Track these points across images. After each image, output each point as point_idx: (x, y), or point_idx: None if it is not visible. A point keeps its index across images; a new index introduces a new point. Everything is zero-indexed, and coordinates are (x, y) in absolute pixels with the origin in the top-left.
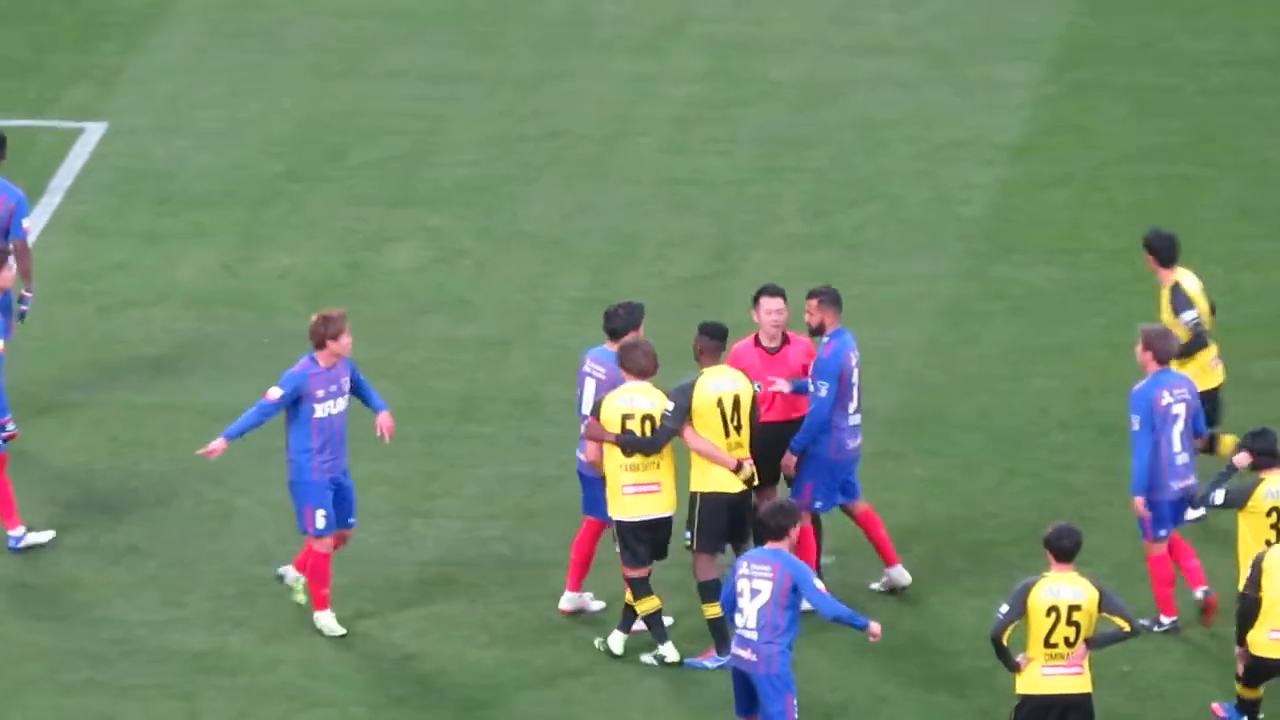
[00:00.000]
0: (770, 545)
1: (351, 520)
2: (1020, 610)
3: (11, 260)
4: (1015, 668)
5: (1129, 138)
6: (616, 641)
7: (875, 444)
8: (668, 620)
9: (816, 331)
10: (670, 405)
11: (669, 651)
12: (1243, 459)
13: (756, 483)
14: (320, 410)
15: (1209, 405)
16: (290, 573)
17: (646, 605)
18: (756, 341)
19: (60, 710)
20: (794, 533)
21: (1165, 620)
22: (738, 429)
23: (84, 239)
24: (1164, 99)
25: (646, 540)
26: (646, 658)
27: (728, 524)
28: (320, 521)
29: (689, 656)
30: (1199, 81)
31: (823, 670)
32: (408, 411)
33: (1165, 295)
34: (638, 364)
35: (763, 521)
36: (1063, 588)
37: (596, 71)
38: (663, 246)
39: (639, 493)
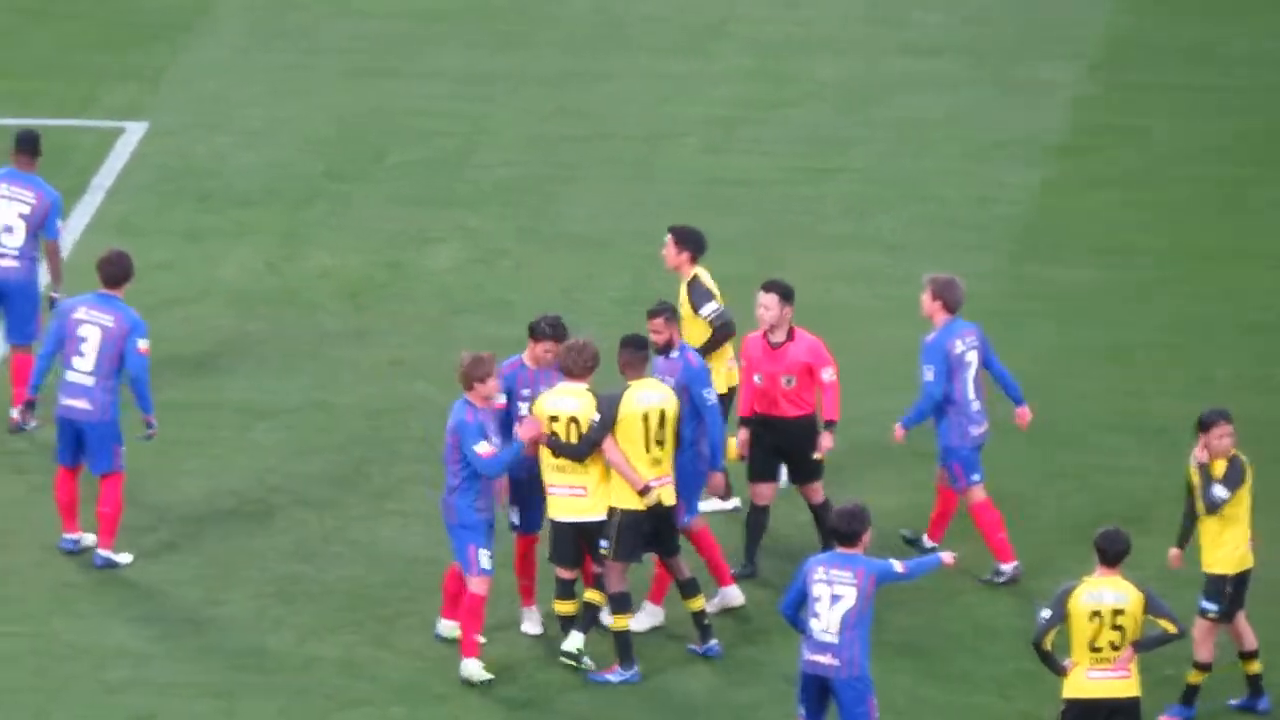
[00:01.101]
0: (844, 550)
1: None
2: (1061, 614)
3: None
4: (1061, 671)
5: (1173, 138)
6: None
7: (917, 445)
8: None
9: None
10: (596, 416)
11: (569, 644)
12: None
13: (667, 504)
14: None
15: (726, 406)
16: (445, 625)
17: (564, 607)
18: (764, 334)
19: (101, 708)
20: (867, 537)
21: (1005, 568)
22: (660, 444)
23: (126, 238)
24: (1208, 98)
25: (570, 541)
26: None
27: (649, 536)
28: (485, 561)
29: (593, 671)
30: (1243, 80)
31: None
32: (448, 413)
33: (684, 289)
34: (569, 364)
35: (835, 528)
36: (1105, 591)
37: (639, 71)
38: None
39: (564, 495)
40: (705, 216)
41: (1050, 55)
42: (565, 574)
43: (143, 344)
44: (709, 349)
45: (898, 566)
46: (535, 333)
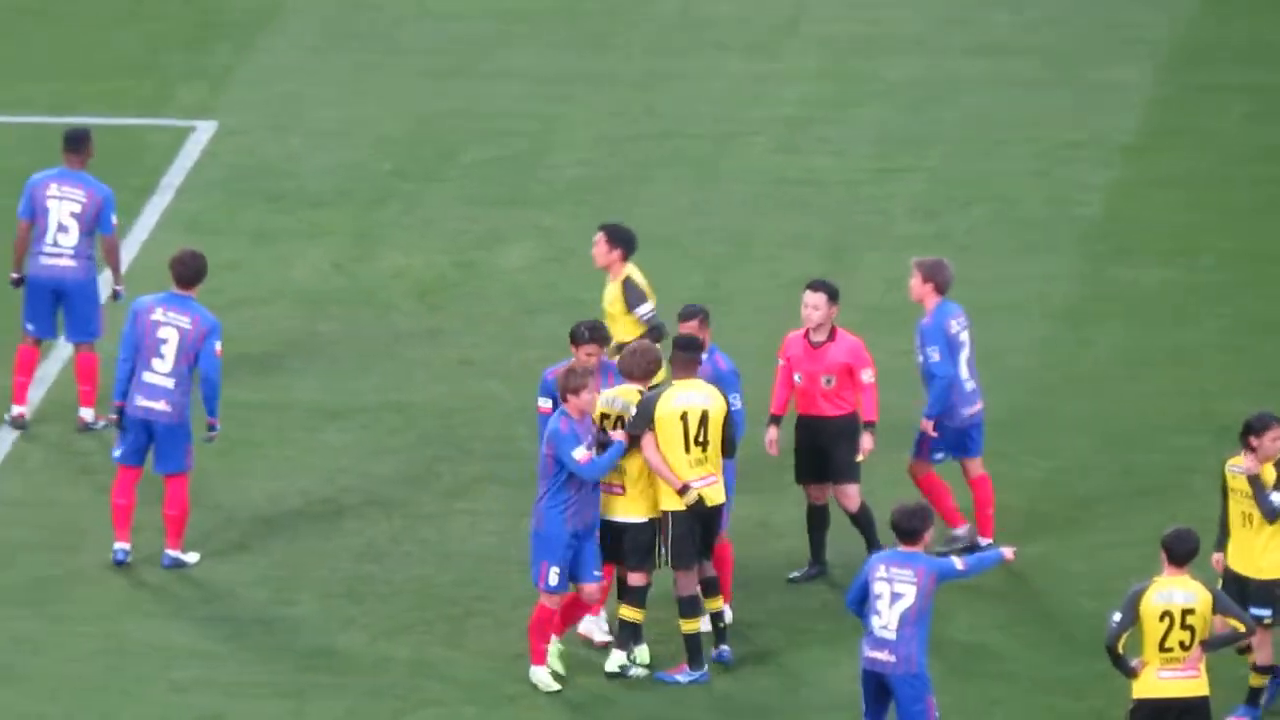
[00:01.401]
0: (905, 548)
1: (596, 573)
2: (1133, 617)
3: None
4: (1131, 673)
5: (1245, 139)
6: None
7: (987, 445)
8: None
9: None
10: (634, 410)
11: (610, 665)
12: None
13: (712, 503)
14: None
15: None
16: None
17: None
18: (807, 333)
19: (171, 708)
20: (928, 535)
21: (959, 531)
22: (701, 445)
23: (196, 237)
24: (1278, 100)
25: (607, 538)
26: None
27: (702, 538)
28: (553, 579)
29: (659, 670)
30: None
31: (935, 672)
32: (520, 412)
33: (618, 289)
34: (629, 367)
35: (896, 525)
36: (1175, 592)
37: (710, 71)
38: (775, 247)
39: (603, 493)
40: (775, 216)
41: (1120, 56)
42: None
43: (218, 345)
44: None
45: (958, 564)
46: (576, 338)
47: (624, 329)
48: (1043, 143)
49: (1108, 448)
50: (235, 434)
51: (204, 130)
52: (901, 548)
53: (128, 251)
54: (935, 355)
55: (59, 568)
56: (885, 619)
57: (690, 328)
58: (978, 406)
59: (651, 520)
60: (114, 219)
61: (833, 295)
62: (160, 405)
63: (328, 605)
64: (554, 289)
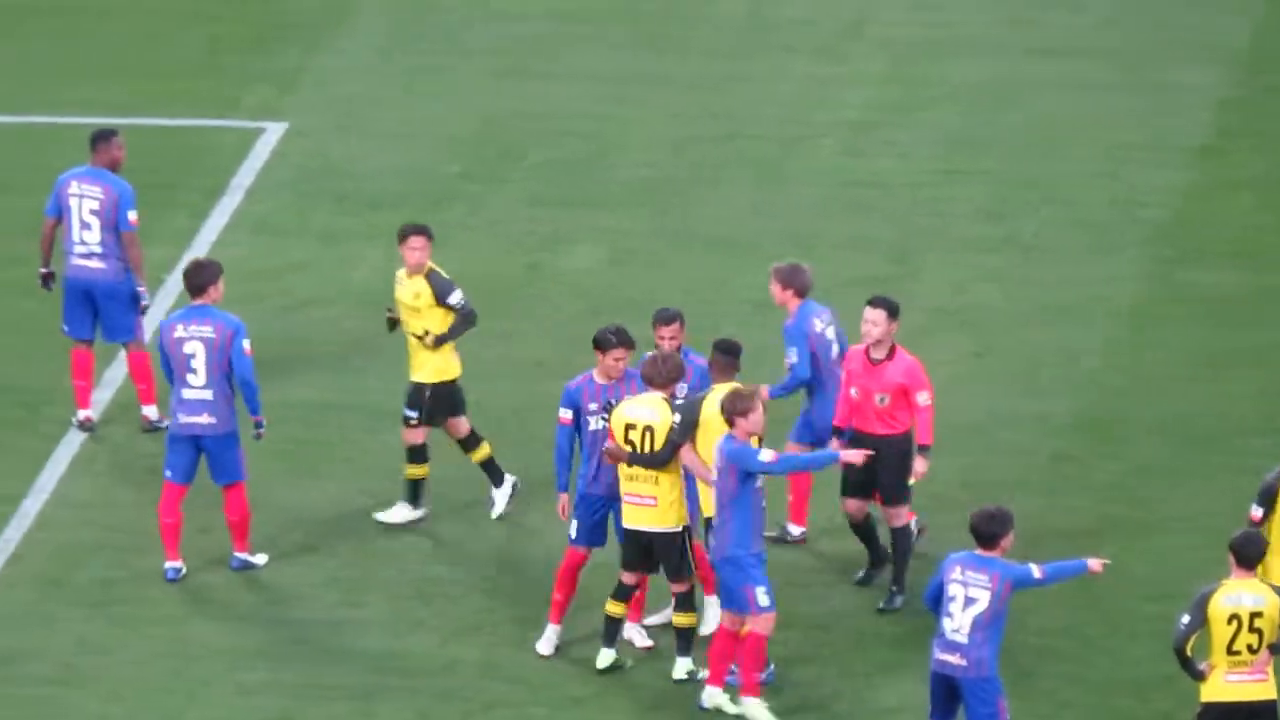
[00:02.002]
0: (982, 552)
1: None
2: (1201, 619)
3: (221, 281)
4: (1199, 676)
5: None
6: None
7: (1055, 448)
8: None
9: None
10: (677, 418)
11: (603, 659)
12: None
13: None
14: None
15: (449, 398)
16: (710, 693)
17: (615, 608)
18: (868, 349)
19: (237, 710)
20: (1007, 540)
21: (794, 529)
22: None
23: (264, 238)
24: None
25: (635, 548)
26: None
27: None
28: (764, 599)
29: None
30: None
31: (1004, 675)
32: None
33: (424, 282)
34: (651, 373)
35: (975, 528)
36: (1243, 595)
37: (774, 74)
38: (840, 249)
39: (634, 503)
40: (840, 218)
41: (1187, 58)
42: (628, 578)
43: (247, 345)
44: (450, 336)
45: (1036, 572)
46: (602, 344)
47: (435, 319)
48: (1108, 145)
49: (1175, 450)
50: (301, 435)
51: (273, 132)
52: (979, 551)
53: (195, 253)
54: (793, 357)
55: (125, 569)
56: (957, 622)
57: (671, 331)
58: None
59: (683, 529)
60: (132, 216)
61: (892, 312)
62: (203, 419)
63: (396, 607)
64: (617, 290)
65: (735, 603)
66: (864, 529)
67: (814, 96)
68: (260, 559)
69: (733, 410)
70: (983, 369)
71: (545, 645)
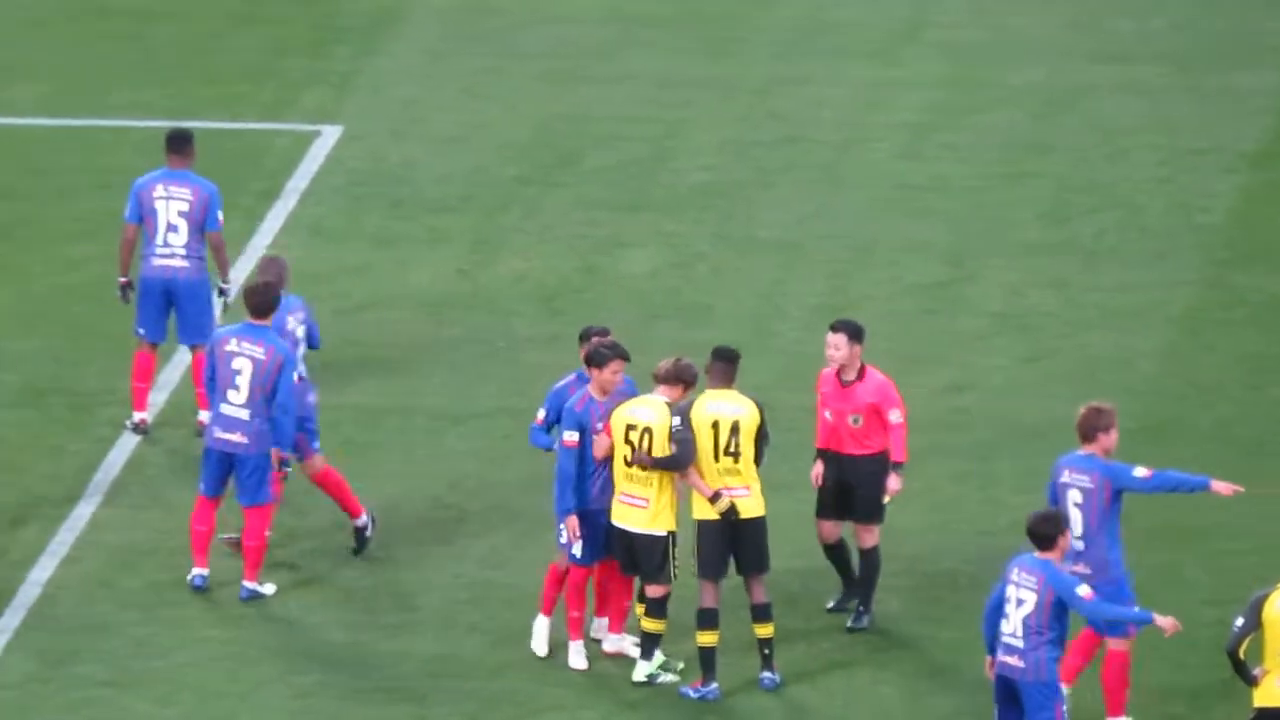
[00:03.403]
0: (1039, 555)
1: None
2: (1255, 622)
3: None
4: (1253, 681)
5: None
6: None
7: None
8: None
9: None
10: (677, 420)
11: (636, 675)
12: None
13: (744, 515)
14: None
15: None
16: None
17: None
18: (838, 371)
19: (290, 712)
20: (1063, 541)
21: (359, 521)
22: (732, 455)
23: (319, 241)
24: None
25: (621, 548)
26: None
27: (728, 550)
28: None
29: (682, 685)
30: None
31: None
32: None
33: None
34: (658, 372)
35: (1030, 530)
36: None
37: (832, 77)
38: (899, 252)
39: (626, 502)
40: (898, 222)
41: (1246, 63)
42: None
43: (297, 375)
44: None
45: (1083, 592)
46: (597, 360)
47: None
48: (1169, 149)
49: (1231, 455)
50: (358, 438)
51: (328, 135)
52: (1036, 554)
53: (251, 257)
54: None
55: (179, 572)
56: (1013, 624)
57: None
58: (313, 398)
59: (668, 534)
60: (220, 216)
61: (853, 335)
62: (236, 437)
63: (450, 610)
64: (677, 294)
65: (1119, 628)
66: (838, 552)
67: (871, 100)
68: (268, 589)
69: (1095, 426)
70: (1039, 373)
71: (578, 660)
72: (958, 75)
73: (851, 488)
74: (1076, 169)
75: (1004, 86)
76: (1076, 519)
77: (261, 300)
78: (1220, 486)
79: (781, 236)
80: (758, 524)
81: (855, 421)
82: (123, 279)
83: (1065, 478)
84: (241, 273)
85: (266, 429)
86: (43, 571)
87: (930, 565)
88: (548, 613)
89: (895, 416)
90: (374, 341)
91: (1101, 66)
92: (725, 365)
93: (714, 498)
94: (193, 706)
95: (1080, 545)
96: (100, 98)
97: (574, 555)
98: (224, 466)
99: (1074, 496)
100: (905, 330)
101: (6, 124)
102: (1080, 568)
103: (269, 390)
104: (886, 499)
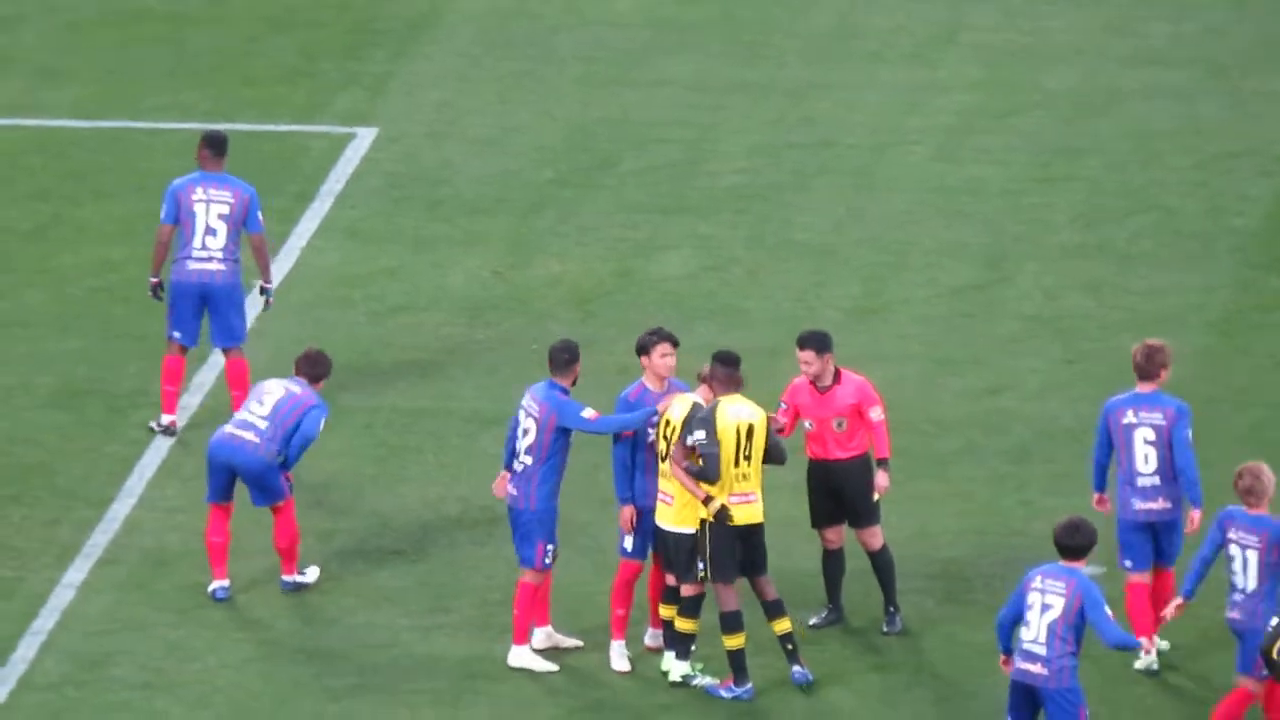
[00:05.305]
0: (1065, 563)
1: None
2: None
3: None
4: None
5: None
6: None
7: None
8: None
9: None
10: (701, 433)
11: (674, 671)
12: None
13: (744, 521)
14: None
15: None
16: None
17: (665, 611)
18: (812, 380)
19: (326, 715)
20: (1092, 552)
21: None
22: (748, 459)
23: (354, 244)
24: None
25: (657, 545)
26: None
27: (747, 554)
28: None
29: (711, 685)
30: None
31: (1090, 681)
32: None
33: None
34: (701, 371)
35: (1057, 540)
36: None
37: (867, 81)
38: (934, 255)
39: (659, 501)
40: (934, 225)
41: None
42: (668, 579)
43: (321, 422)
44: None
45: (1109, 612)
46: (644, 346)
47: None
48: (1203, 153)
49: (1266, 459)
50: (393, 440)
51: (363, 137)
52: (1061, 562)
53: (286, 259)
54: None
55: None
56: (1034, 631)
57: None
58: None
59: (695, 532)
60: (260, 216)
61: (820, 348)
62: (248, 435)
63: (484, 612)
64: (713, 297)
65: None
66: (838, 564)
67: (907, 103)
68: (311, 574)
69: (1163, 364)
70: (1075, 376)
71: (619, 661)
72: (993, 79)
73: (840, 493)
74: (1111, 172)
75: (1039, 90)
76: (1151, 455)
77: (311, 371)
78: (1195, 519)
79: (817, 239)
80: (762, 528)
81: (839, 425)
82: (154, 279)
83: (1130, 418)
84: (278, 275)
85: (276, 449)
86: (77, 573)
87: (965, 568)
88: (541, 624)
89: (876, 414)
90: (409, 344)
91: (1136, 70)
92: (732, 370)
93: (706, 501)
94: (228, 709)
95: (1156, 480)
96: (137, 100)
97: (624, 549)
98: (230, 472)
99: (1145, 434)
100: (941, 333)
101: (44, 126)
102: (1161, 503)
103: (291, 424)
104: (877, 496)
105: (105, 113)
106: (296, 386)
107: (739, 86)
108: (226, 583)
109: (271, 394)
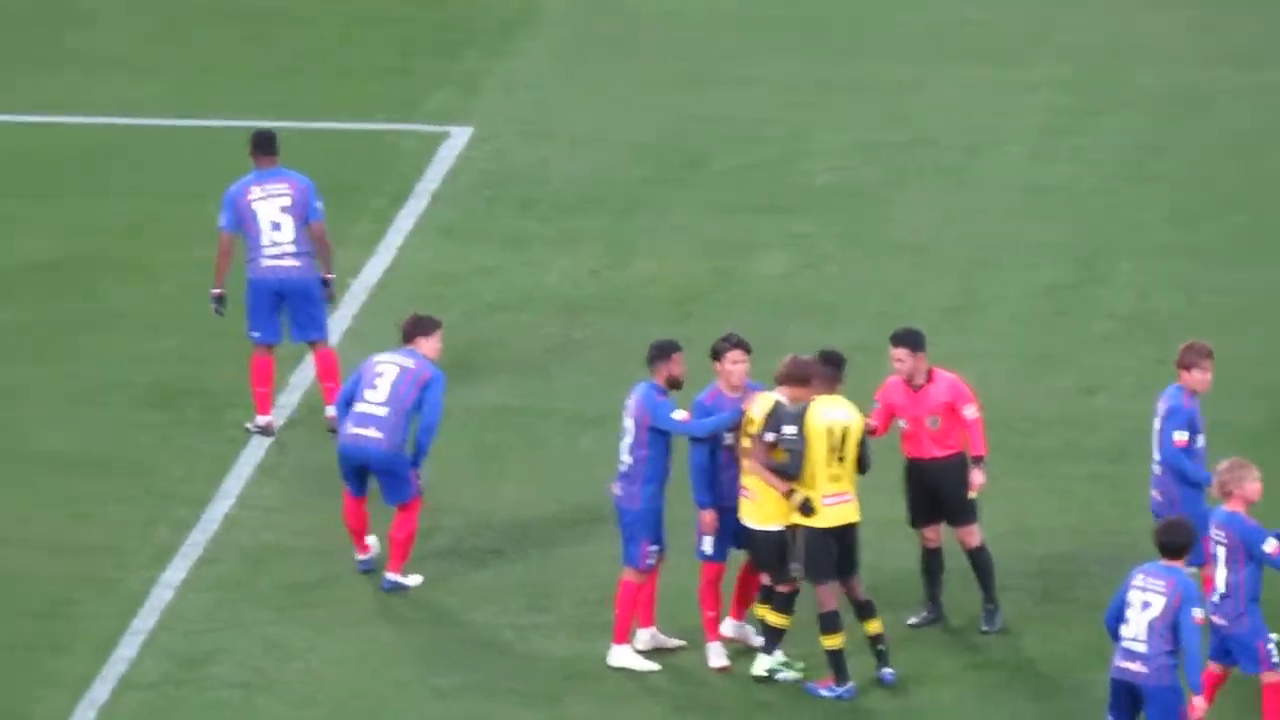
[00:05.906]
0: (1166, 562)
1: None
2: None
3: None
4: None
5: None
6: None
7: (1236, 455)
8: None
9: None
10: (792, 428)
11: (758, 665)
12: None
13: (839, 522)
14: None
15: None
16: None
17: (759, 610)
18: (905, 378)
19: (431, 713)
20: (1190, 551)
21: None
22: (841, 460)
23: (449, 243)
24: None
25: (743, 542)
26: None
27: (841, 555)
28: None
29: (809, 682)
30: None
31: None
32: None
33: None
34: (787, 373)
35: (1158, 539)
36: None
37: (960, 80)
38: (1028, 254)
39: (740, 497)
40: (1026, 224)
41: None
42: (762, 578)
43: (442, 399)
44: None
45: (1198, 617)
46: (716, 353)
47: None
48: None
49: None
50: (491, 439)
51: (457, 136)
52: (1162, 561)
53: (381, 258)
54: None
55: (313, 573)
56: (1135, 629)
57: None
58: None
59: (781, 530)
60: (319, 205)
61: (914, 346)
62: (370, 432)
63: (583, 612)
64: (809, 296)
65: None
66: (937, 563)
67: (999, 103)
68: (413, 580)
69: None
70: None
71: (717, 659)
72: (1084, 78)
73: (937, 491)
74: (1204, 171)
75: (1130, 88)
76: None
77: (412, 329)
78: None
79: (911, 238)
80: (858, 529)
81: (934, 424)
82: (217, 290)
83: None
84: (374, 273)
85: (402, 437)
86: (176, 573)
87: (1064, 565)
88: (645, 624)
89: (970, 412)
90: (506, 342)
91: (1227, 68)
92: (833, 370)
93: (788, 494)
94: (331, 708)
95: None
96: (230, 98)
97: (702, 552)
98: (360, 462)
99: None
100: (1036, 332)
101: (138, 124)
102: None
103: (412, 401)
104: (973, 494)
105: (199, 110)
106: (409, 360)
107: (831, 85)
108: (367, 556)
109: (384, 374)
